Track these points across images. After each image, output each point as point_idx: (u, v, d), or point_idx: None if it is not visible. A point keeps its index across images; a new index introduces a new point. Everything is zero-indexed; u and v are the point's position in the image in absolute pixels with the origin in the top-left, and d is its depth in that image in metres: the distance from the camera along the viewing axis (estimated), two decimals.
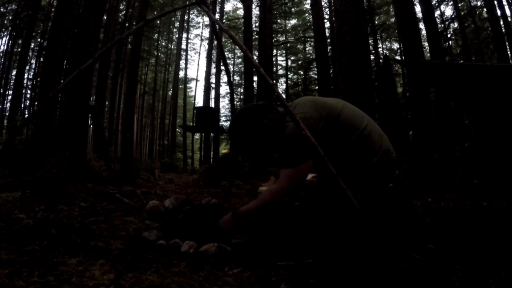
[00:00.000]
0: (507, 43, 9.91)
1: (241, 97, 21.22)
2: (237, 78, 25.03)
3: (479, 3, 13.37)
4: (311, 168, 1.45)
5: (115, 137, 16.81)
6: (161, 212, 1.73)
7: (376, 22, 17.29)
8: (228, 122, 21.48)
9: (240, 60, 25.17)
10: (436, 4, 14.00)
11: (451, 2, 13.85)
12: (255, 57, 5.03)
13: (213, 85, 22.26)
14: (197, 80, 34.74)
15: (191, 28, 28.10)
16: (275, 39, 20.33)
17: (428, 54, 10.53)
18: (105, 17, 12.38)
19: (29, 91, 16.67)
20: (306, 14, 21.25)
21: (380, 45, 18.93)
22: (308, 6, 18.98)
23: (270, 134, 1.52)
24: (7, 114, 12.74)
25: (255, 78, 11.23)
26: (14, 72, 14.72)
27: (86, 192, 2.81)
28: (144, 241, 1.44)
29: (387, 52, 20.07)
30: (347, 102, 1.68)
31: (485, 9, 11.90)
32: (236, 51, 25.66)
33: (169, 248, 1.37)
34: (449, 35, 13.77)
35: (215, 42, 16.06)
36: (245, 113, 1.58)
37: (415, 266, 1.19)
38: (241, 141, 1.61)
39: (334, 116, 1.53)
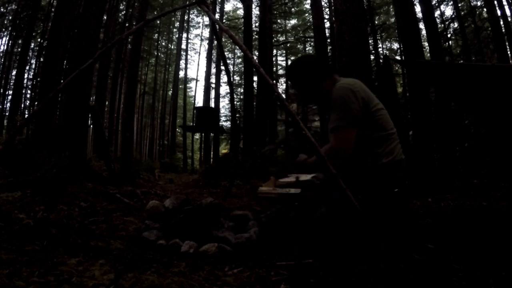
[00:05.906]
0: (507, 43, 9.90)
1: (241, 97, 21.16)
2: (237, 78, 24.97)
3: (479, 3, 13.37)
4: (354, 134, 1.54)
5: (115, 137, 16.79)
6: (161, 212, 1.73)
7: (376, 22, 17.25)
8: (228, 122, 21.57)
9: (240, 60, 25.12)
10: (436, 4, 13.98)
11: (451, 2, 13.83)
12: (255, 57, 5.03)
13: (213, 85, 22.24)
14: (197, 80, 34.71)
15: (191, 28, 28.06)
16: (275, 39, 20.28)
17: (428, 54, 10.52)
18: (105, 17, 12.35)
19: (29, 91, 16.64)
20: (306, 14, 21.22)
21: (380, 45, 18.90)
22: (308, 6, 18.96)
23: (317, 85, 1.70)
24: (7, 114, 12.71)
25: (255, 78, 11.21)
26: (14, 72, 14.69)
27: (86, 192, 2.82)
28: (144, 241, 1.44)
29: (387, 52, 20.03)
30: None
31: (485, 9, 11.89)
32: (236, 51, 25.61)
33: (169, 248, 1.37)
34: (449, 35, 13.74)
35: (215, 42, 16.06)
36: (311, 60, 1.77)
37: (415, 266, 1.19)
38: (295, 76, 1.79)
39: (368, 105, 1.58)
